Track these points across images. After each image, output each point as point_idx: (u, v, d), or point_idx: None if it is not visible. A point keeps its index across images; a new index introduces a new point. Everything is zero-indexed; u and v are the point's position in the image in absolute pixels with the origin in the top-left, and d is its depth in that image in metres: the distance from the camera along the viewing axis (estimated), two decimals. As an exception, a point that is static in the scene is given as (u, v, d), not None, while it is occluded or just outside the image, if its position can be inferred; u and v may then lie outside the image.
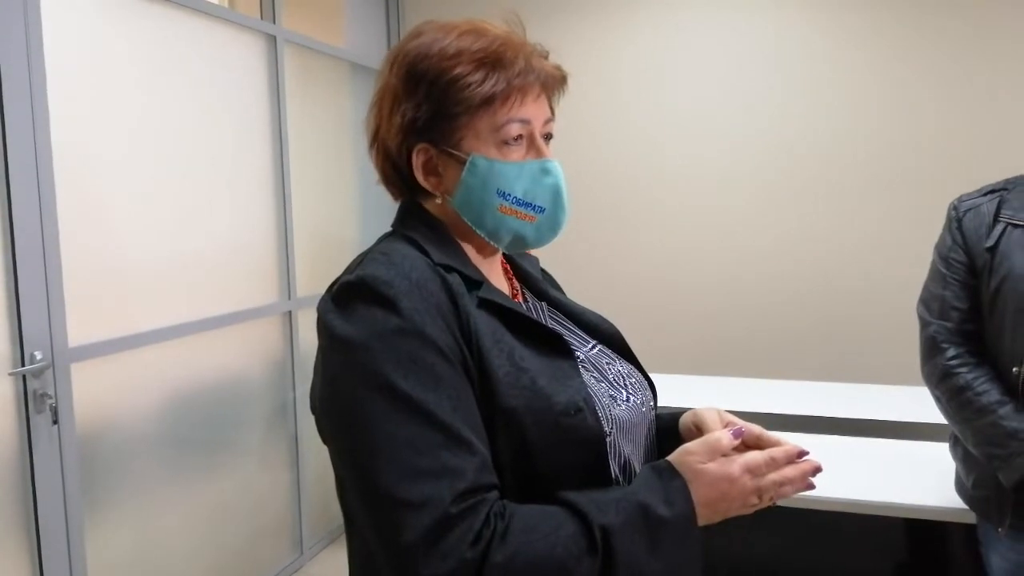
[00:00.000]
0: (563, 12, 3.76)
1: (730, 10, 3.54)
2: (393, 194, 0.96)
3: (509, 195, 0.88)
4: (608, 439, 0.83)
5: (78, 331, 2.05)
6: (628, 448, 0.87)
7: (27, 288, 1.89)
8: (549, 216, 0.91)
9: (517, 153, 0.88)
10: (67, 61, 2.02)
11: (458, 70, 0.84)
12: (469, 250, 0.92)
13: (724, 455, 0.81)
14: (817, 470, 0.82)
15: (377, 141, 0.92)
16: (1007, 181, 1.50)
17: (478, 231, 0.90)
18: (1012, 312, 1.39)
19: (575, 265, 3.74)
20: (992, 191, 1.50)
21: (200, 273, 2.47)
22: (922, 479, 1.80)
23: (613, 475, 0.84)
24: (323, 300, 0.83)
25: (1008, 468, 1.39)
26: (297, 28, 3.10)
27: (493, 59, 0.85)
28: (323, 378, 0.81)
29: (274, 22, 2.93)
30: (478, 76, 0.84)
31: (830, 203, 3.48)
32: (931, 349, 1.51)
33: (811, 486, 0.82)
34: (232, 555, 2.65)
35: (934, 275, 1.54)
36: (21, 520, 1.91)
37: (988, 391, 1.42)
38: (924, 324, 1.54)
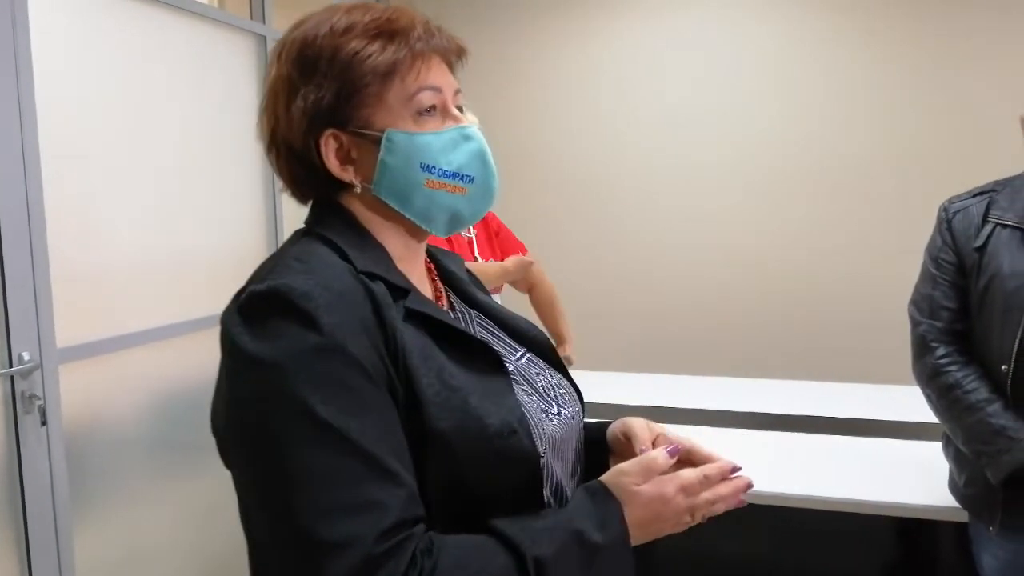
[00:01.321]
0: (551, 8, 3.76)
1: (724, 9, 3.55)
2: (301, 198, 0.87)
3: (434, 168, 0.81)
4: (542, 460, 0.79)
5: (66, 332, 2.03)
6: (559, 467, 0.83)
7: (15, 289, 1.88)
8: (480, 184, 0.84)
9: (434, 123, 0.82)
10: (54, 61, 2.01)
11: (353, 43, 0.79)
12: (393, 249, 0.84)
13: (659, 474, 0.78)
14: (749, 486, 0.80)
15: (276, 143, 0.84)
16: (996, 183, 1.52)
17: (407, 215, 0.83)
18: (1000, 311, 1.40)
19: (563, 262, 3.74)
20: (981, 192, 1.51)
21: (189, 274, 2.46)
22: (913, 478, 1.81)
23: (546, 499, 0.80)
24: (228, 311, 0.75)
25: (995, 465, 1.41)
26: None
27: (388, 28, 0.80)
28: (229, 400, 0.74)
29: (264, 22, 2.92)
30: (376, 46, 0.79)
31: (817, 202, 3.50)
32: (921, 348, 1.53)
33: (742, 503, 0.80)
34: (220, 555, 2.63)
35: (924, 275, 1.56)
36: (9, 520, 1.90)
37: (976, 389, 1.43)
38: (914, 324, 1.55)
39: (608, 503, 0.77)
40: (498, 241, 2.43)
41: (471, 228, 2.36)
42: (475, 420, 0.75)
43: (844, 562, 2.05)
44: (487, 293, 1.03)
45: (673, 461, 0.79)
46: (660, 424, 0.90)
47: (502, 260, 2.40)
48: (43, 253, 1.95)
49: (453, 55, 0.86)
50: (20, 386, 1.91)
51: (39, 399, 1.93)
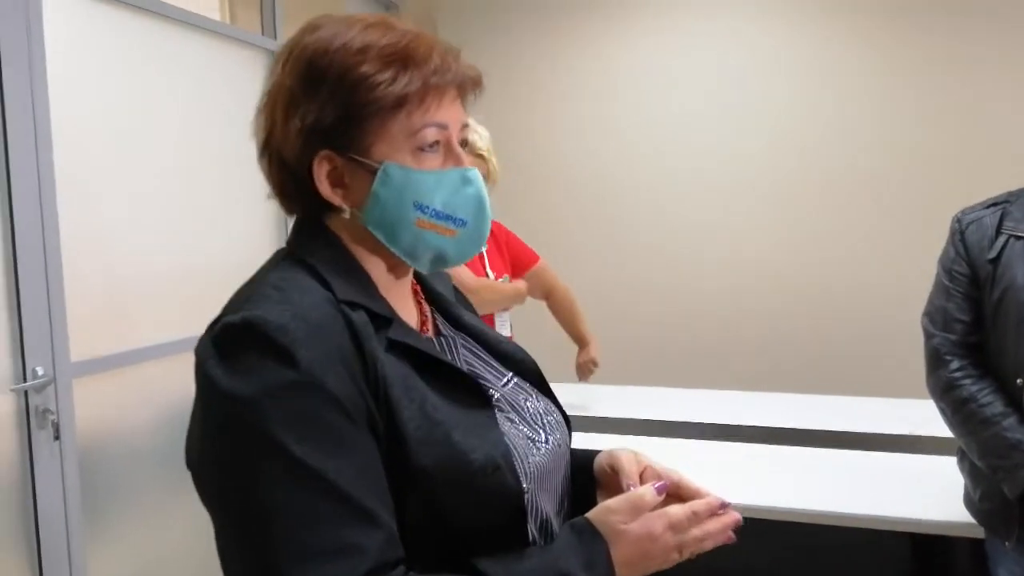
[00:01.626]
0: (566, 17, 3.78)
1: (732, 18, 3.56)
2: (288, 209, 0.84)
3: (428, 207, 0.78)
4: (526, 496, 0.76)
5: (80, 346, 2.04)
6: (545, 500, 0.82)
7: (29, 303, 1.89)
8: (471, 230, 0.82)
9: (434, 161, 0.79)
10: (68, 79, 2.03)
11: (365, 67, 0.75)
12: (377, 274, 0.82)
13: (647, 511, 0.76)
14: (738, 523, 0.78)
15: (269, 150, 0.81)
16: (1009, 194, 1.51)
17: (393, 249, 0.80)
18: (1014, 323, 1.39)
19: (573, 271, 3.73)
20: (995, 204, 1.50)
21: (202, 288, 2.47)
22: (928, 493, 1.79)
23: (531, 534, 0.77)
24: (202, 343, 0.72)
25: (1012, 480, 1.39)
26: (299, 43, 3.11)
27: (404, 55, 0.76)
28: (202, 435, 0.71)
29: (275, 38, 2.95)
30: (389, 74, 0.75)
31: (830, 212, 3.49)
32: (935, 361, 1.51)
33: (731, 539, 0.79)
34: (233, 571, 2.63)
35: (938, 288, 1.54)
36: (22, 535, 1.90)
37: (992, 403, 1.42)
38: (928, 336, 1.54)
39: (595, 542, 0.75)
40: (508, 251, 2.43)
41: None
42: (458, 455, 0.72)
43: (857, 577, 2.03)
44: (475, 313, 1.01)
45: (661, 498, 0.78)
46: (647, 457, 0.89)
47: (513, 272, 2.40)
48: (57, 268, 1.96)
49: (468, 87, 0.83)
50: (34, 401, 1.92)
51: (52, 414, 1.94)
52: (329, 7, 3.53)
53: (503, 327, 2.34)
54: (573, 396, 2.63)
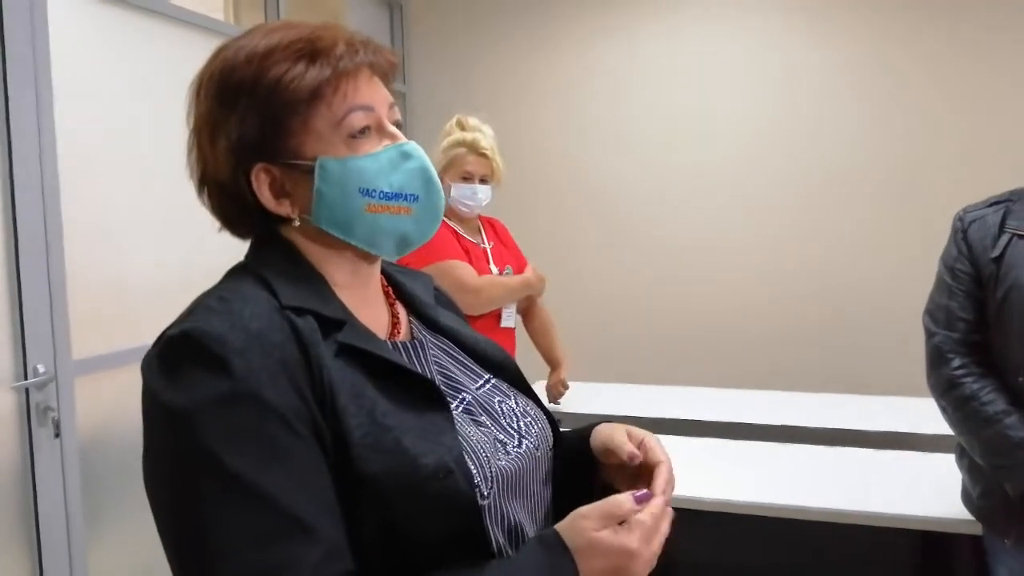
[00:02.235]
0: (568, 16, 3.78)
1: (733, 15, 3.56)
2: (239, 235, 0.84)
3: (374, 191, 0.76)
4: (486, 502, 0.73)
5: (82, 344, 2.04)
6: (516, 505, 0.78)
7: (31, 301, 1.89)
8: (424, 203, 0.80)
9: (368, 144, 0.77)
10: (74, 78, 2.03)
11: (274, 70, 0.74)
12: (339, 277, 0.80)
13: (622, 520, 0.71)
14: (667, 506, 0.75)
15: (206, 182, 0.80)
16: (1012, 192, 1.51)
17: (352, 243, 0.78)
18: (1018, 322, 1.39)
19: (576, 273, 3.75)
20: (997, 202, 1.50)
21: (204, 287, 2.47)
22: (928, 491, 1.79)
23: (495, 542, 0.74)
24: (147, 356, 0.71)
25: (1014, 478, 1.39)
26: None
27: (310, 48, 0.75)
28: (145, 446, 0.70)
29: (278, 37, 2.95)
30: (298, 69, 0.74)
31: (833, 211, 3.49)
32: (937, 360, 1.51)
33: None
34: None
35: (940, 286, 1.54)
36: (23, 533, 1.90)
37: (994, 401, 1.41)
38: (930, 335, 1.54)
39: (561, 556, 0.70)
40: (508, 252, 2.44)
41: (486, 238, 2.37)
42: (407, 461, 0.70)
43: (858, 575, 2.03)
44: (459, 313, 1.00)
45: (639, 509, 0.71)
46: (643, 431, 0.86)
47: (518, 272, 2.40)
48: (59, 266, 1.96)
49: (384, 67, 0.81)
50: (35, 398, 1.92)
51: (53, 411, 1.94)
52: (331, 6, 3.53)
53: (508, 319, 2.34)
54: (577, 394, 2.64)
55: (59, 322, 1.97)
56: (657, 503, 0.72)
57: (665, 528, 0.73)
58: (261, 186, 0.77)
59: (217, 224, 0.84)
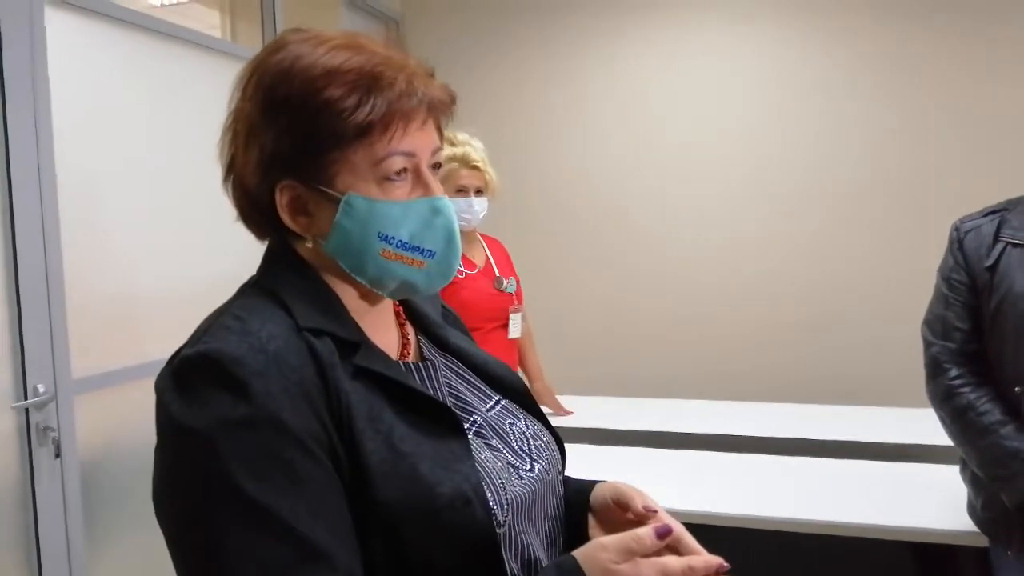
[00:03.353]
0: (565, 30, 3.80)
1: (736, 24, 3.58)
2: (256, 234, 0.82)
3: (393, 239, 0.75)
4: (502, 530, 0.73)
5: (81, 363, 2.04)
6: (529, 532, 0.78)
7: (30, 320, 1.89)
8: (440, 260, 0.78)
9: (401, 190, 0.75)
10: (71, 95, 2.04)
11: (327, 94, 0.71)
12: (350, 298, 0.79)
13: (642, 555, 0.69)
14: None
15: (232, 174, 0.79)
16: (1008, 202, 1.52)
17: (358, 279, 0.77)
18: (1012, 331, 1.39)
19: (557, 284, 3.76)
20: (993, 212, 1.51)
21: (204, 305, 2.46)
22: (932, 502, 1.79)
23: (510, 570, 0.73)
24: (161, 376, 0.70)
25: (1011, 489, 1.39)
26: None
27: (369, 80, 0.72)
28: (159, 468, 0.69)
29: (276, 54, 2.97)
30: (352, 101, 0.71)
31: (830, 224, 3.49)
32: (934, 370, 1.52)
33: None
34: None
35: (937, 296, 1.55)
36: (23, 553, 1.90)
37: (990, 411, 1.42)
38: (927, 345, 1.54)
39: None
40: (508, 270, 2.46)
41: (488, 251, 2.41)
42: (424, 489, 0.69)
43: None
44: (467, 333, 0.98)
45: (660, 545, 0.71)
46: (650, 497, 0.84)
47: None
48: (59, 286, 1.97)
49: (439, 109, 0.79)
50: (35, 418, 1.92)
51: (53, 431, 1.94)
52: (327, 23, 3.56)
53: (515, 331, 2.37)
54: (576, 407, 2.64)
55: (59, 341, 1.97)
56: (697, 560, 0.70)
57: None
58: (283, 201, 0.75)
59: (221, 224, 0.83)
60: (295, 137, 0.72)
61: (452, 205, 0.80)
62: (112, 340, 2.17)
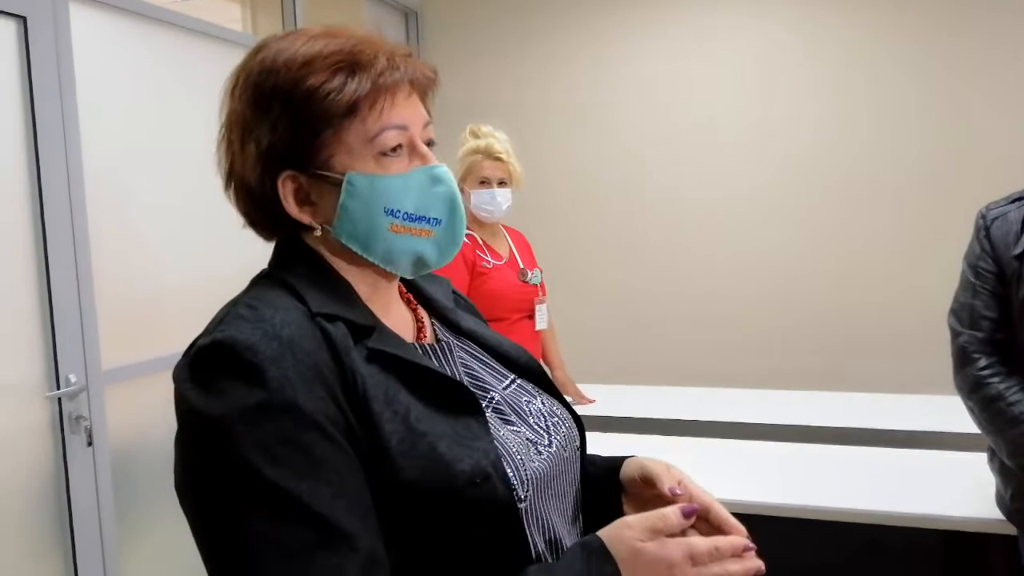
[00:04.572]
0: (587, 20, 3.78)
1: (744, 17, 3.54)
2: (265, 236, 0.83)
3: (399, 212, 0.76)
4: (523, 505, 0.73)
5: (111, 354, 2.08)
6: (551, 507, 0.78)
7: (61, 313, 1.93)
8: (447, 227, 0.79)
9: (399, 164, 0.76)
10: (98, 91, 2.07)
11: (312, 79, 0.73)
12: (361, 286, 0.80)
13: (668, 535, 0.70)
14: (760, 571, 0.72)
15: (233, 179, 0.80)
16: (1035, 188, 1.49)
17: (370, 259, 0.78)
18: (1043, 320, 1.37)
19: (579, 274, 3.75)
20: (1020, 198, 1.48)
21: (228, 297, 2.50)
22: (961, 491, 1.77)
23: (534, 544, 0.74)
24: (178, 366, 0.71)
25: (1043, 479, 1.37)
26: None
27: (351, 61, 0.74)
28: (179, 457, 0.70)
29: (297, 46, 2.98)
30: (336, 82, 0.73)
31: (850, 210, 3.45)
32: (962, 359, 1.50)
33: None
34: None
35: (964, 285, 1.53)
36: (58, 538, 1.94)
37: (1020, 400, 1.40)
38: (955, 334, 1.52)
39: (604, 565, 0.69)
40: (530, 261, 2.47)
41: (511, 243, 2.41)
42: (444, 467, 0.69)
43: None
44: (479, 316, 0.99)
45: (688, 523, 0.71)
46: (679, 470, 0.84)
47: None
48: (88, 279, 2.01)
49: (423, 84, 0.80)
50: (67, 407, 1.96)
51: (85, 420, 1.98)
52: (348, 15, 3.56)
53: (542, 321, 2.37)
54: (600, 396, 2.64)
55: (89, 333, 2.01)
56: (723, 541, 0.70)
57: (733, 567, 0.70)
58: (286, 193, 0.76)
59: (240, 222, 0.83)
60: (288, 126, 0.74)
61: (450, 172, 0.81)
62: (139, 332, 2.21)
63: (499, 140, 2.28)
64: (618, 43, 3.73)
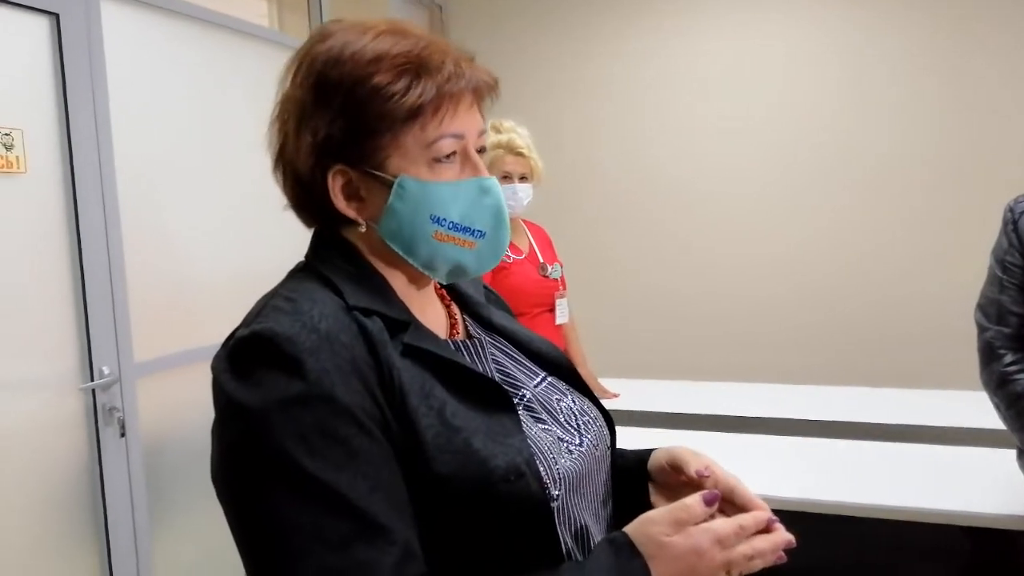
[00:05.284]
0: (611, 15, 3.76)
1: (757, 16, 3.51)
2: (306, 222, 0.84)
3: (444, 220, 0.76)
4: (555, 503, 0.73)
5: (143, 347, 2.12)
6: (581, 506, 0.78)
7: (95, 306, 1.97)
8: (490, 240, 0.79)
9: (451, 171, 0.76)
10: (128, 86, 2.11)
11: (378, 78, 0.72)
12: (398, 282, 0.80)
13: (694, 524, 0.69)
14: (789, 543, 0.72)
15: (283, 161, 0.79)
16: (1065, 181, 1.46)
17: (411, 261, 0.78)
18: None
19: (600, 269, 3.75)
20: (1049, 192, 1.46)
21: (258, 290, 2.53)
22: (989, 487, 1.75)
23: (564, 544, 0.74)
24: (217, 357, 0.72)
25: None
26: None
27: (418, 64, 0.73)
28: (217, 447, 0.70)
29: (323, 42, 3.00)
30: (401, 84, 0.72)
31: (872, 204, 3.41)
32: (988, 355, 1.48)
33: (782, 559, 0.72)
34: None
35: (991, 279, 1.51)
36: (91, 528, 1.99)
37: (1048, 398, 1.38)
38: (981, 330, 1.51)
39: (632, 560, 0.68)
40: (551, 256, 2.48)
41: (532, 238, 2.42)
42: (478, 463, 0.69)
43: (916, 572, 1.99)
44: (509, 312, 0.99)
45: (711, 511, 0.71)
46: (706, 455, 0.84)
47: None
48: (120, 272, 2.04)
49: (484, 91, 0.80)
50: (101, 399, 2.00)
51: (119, 411, 2.03)
52: (373, 11, 3.58)
53: (563, 316, 2.38)
54: (622, 390, 2.64)
55: (121, 326, 2.05)
56: (746, 518, 0.71)
57: (761, 543, 0.70)
58: (336, 186, 0.76)
59: (277, 210, 0.84)
60: (347, 121, 0.74)
61: (500, 186, 0.81)
62: (171, 325, 2.25)
63: (521, 135, 2.28)
64: (641, 40, 3.72)
